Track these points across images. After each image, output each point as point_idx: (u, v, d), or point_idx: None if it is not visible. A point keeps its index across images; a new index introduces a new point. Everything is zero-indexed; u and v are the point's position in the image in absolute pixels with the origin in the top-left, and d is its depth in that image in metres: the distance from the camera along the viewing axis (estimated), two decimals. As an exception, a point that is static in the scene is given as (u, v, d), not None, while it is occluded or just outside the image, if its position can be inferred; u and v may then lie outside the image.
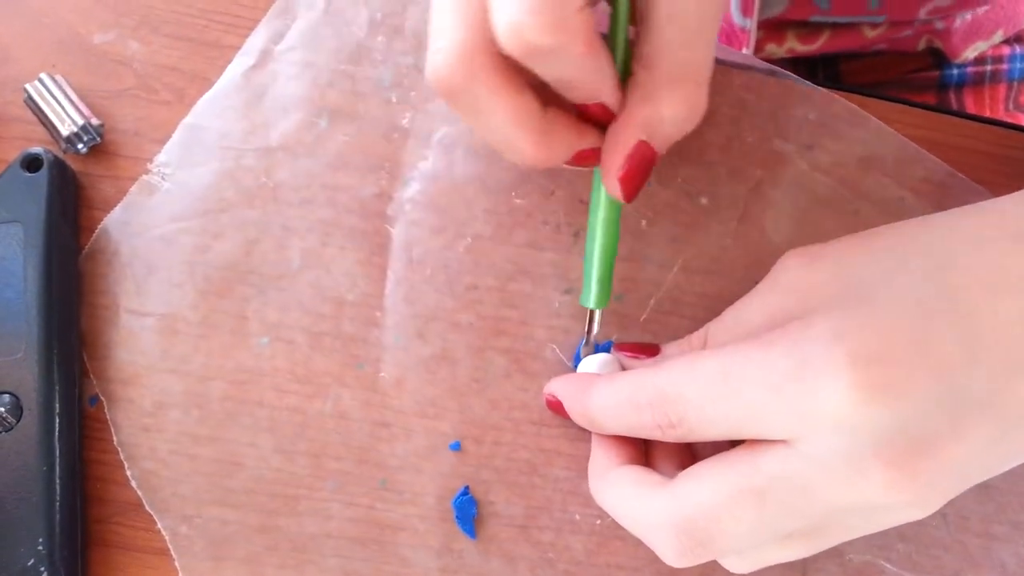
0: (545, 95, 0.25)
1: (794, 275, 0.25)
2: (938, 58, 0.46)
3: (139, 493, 0.29)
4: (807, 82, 0.33)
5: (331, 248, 0.31)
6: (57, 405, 0.28)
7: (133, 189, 0.31)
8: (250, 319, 0.30)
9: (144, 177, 0.31)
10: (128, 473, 0.29)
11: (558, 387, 0.29)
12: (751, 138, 0.32)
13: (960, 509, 0.30)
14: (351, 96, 0.32)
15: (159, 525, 0.29)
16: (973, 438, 0.22)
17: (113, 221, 0.31)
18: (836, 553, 0.29)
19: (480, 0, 0.22)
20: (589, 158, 0.26)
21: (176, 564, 0.29)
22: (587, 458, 0.30)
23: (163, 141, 0.32)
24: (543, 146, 0.25)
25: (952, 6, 0.42)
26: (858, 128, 0.33)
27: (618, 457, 0.27)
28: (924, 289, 0.23)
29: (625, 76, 0.26)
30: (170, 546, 0.29)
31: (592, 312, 0.29)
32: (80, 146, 0.31)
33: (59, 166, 0.30)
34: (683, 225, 0.32)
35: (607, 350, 0.30)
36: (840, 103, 0.33)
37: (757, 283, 0.29)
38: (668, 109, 0.25)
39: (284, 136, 0.32)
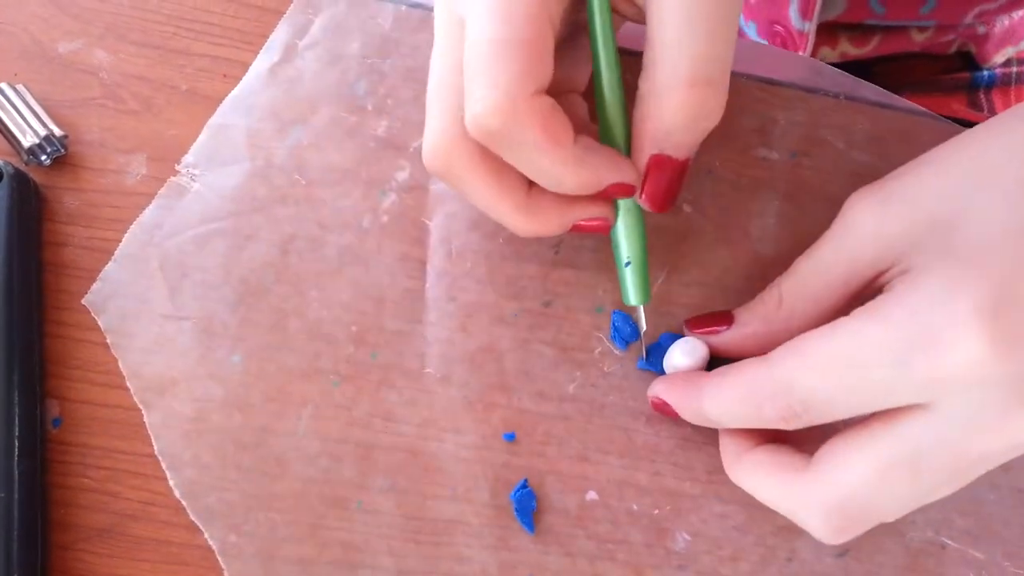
0: None
1: (868, 222, 0.24)
2: (967, 60, 0.47)
3: (183, 503, 0.28)
4: (794, 84, 0.32)
5: (369, 244, 0.30)
6: (17, 427, 0.27)
7: (162, 191, 0.30)
8: (290, 319, 0.30)
9: (173, 179, 0.30)
10: (171, 483, 0.28)
11: (663, 390, 0.28)
12: (735, 145, 0.32)
13: (1014, 480, 0.30)
14: (380, 89, 0.32)
15: (205, 535, 0.28)
16: None
17: (143, 224, 0.30)
18: (896, 532, 0.29)
19: (457, 89, 0.24)
20: (590, 229, 0.27)
21: (226, 573, 0.28)
22: (640, 447, 0.29)
23: (131, 152, 0.31)
24: (528, 222, 0.26)
25: (997, 9, 0.42)
26: (845, 132, 0.32)
27: (748, 439, 0.27)
28: (1012, 218, 0.22)
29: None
30: (218, 555, 0.28)
31: (636, 309, 0.29)
32: (43, 158, 0.30)
33: (20, 179, 0.29)
34: (667, 235, 0.31)
35: (669, 343, 0.29)
36: (828, 104, 0.32)
37: (745, 291, 0.29)
38: (671, 119, 0.24)
39: (315, 132, 0.31)
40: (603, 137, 0.26)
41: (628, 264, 0.28)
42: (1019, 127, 0.24)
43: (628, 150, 0.26)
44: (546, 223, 0.26)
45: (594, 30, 0.26)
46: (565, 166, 0.24)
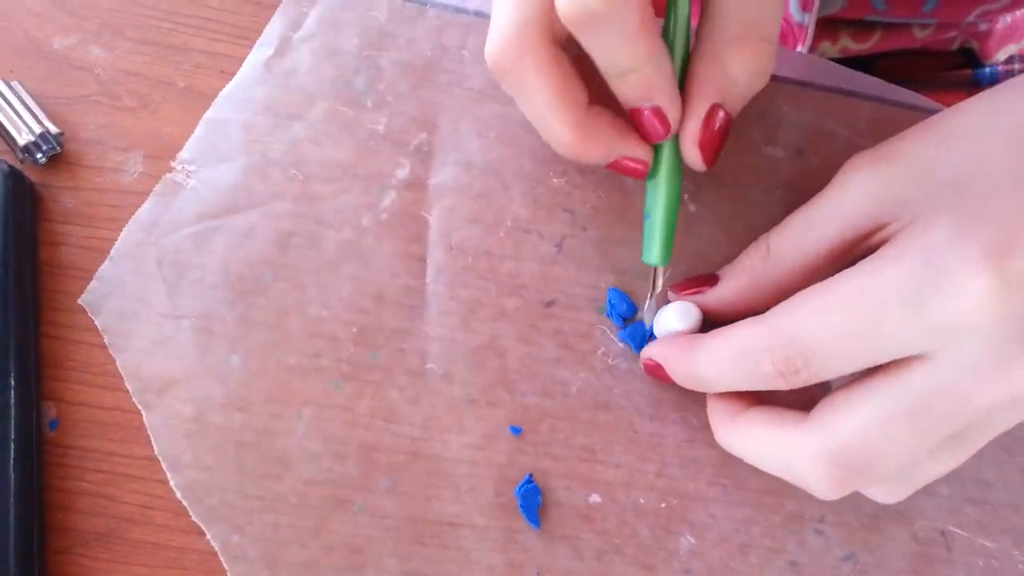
0: (599, 96, 0.25)
1: (868, 178, 0.24)
2: (969, 57, 0.46)
3: (184, 504, 0.28)
4: (794, 79, 0.32)
5: (368, 239, 0.30)
6: (12, 430, 0.27)
7: (157, 188, 0.30)
8: (289, 316, 0.29)
9: (168, 175, 0.30)
10: (172, 484, 0.28)
11: (657, 351, 0.28)
12: (738, 141, 0.31)
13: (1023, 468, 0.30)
14: (378, 82, 0.31)
15: (208, 536, 0.28)
16: None
17: (139, 222, 0.30)
18: (905, 522, 0.29)
19: None
20: (629, 169, 0.27)
21: (229, 574, 0.27)
22: (645, 443, 0.29)
23: (127, 150, 0.31)
24: (580, 137, 0.25)
25: (999, 9, 0.42)
26: (849, 122, 0.31)
27: (740, 401, 0.26)
28: (1017, 167, 0.22)
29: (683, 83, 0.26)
30: (221, 557, 0.27)
31: (655, 270, 0.28)
32: (38, 156, 0.30)
33: (16, 177, 0.29)
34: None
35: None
36: (830, 101, 0.32)
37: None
38: (737, 68, 0.24)
39: (311, 126, 0.31)
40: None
41: (648, 218, 0.27)
42: (1009, 97, 0.24)
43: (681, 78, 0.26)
44: (596, 147, 0.26)
45: None
46: (646, 59, 0.24)
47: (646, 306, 0.29)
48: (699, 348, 0.26)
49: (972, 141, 0.23)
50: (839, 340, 0.22)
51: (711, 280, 0.28)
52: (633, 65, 0.24)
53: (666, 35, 0.26)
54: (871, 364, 0.23)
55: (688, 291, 0.28)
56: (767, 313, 0.24)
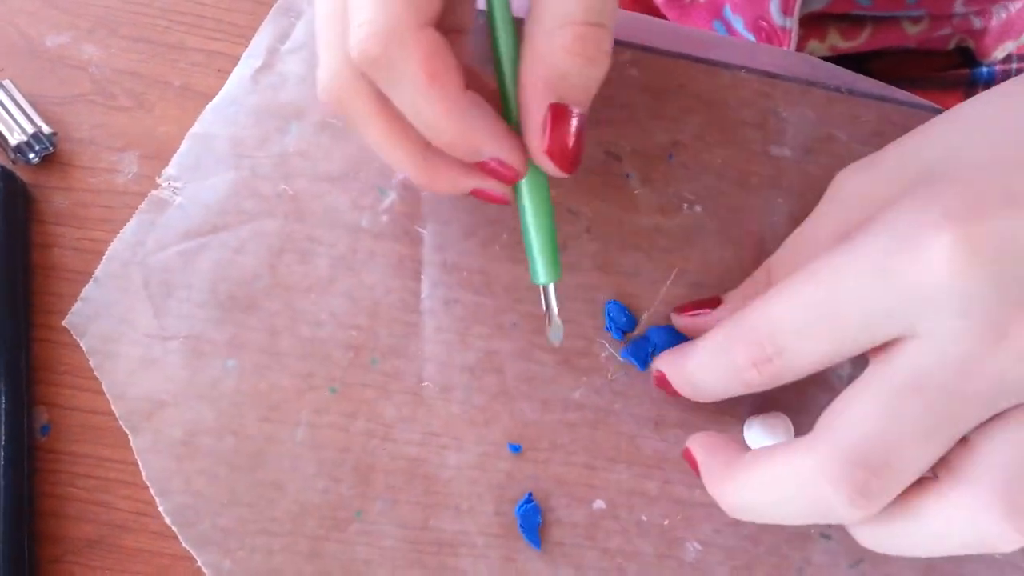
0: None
1: (854, 185, 0.24)
2: (966, 56, 0.46)
3: (175, 529, 0.27)
4: (795, 78, 0.31)
5: (361, 254, 0.29)
6: (3, 435, 0.26)
7: (143, 206, 0.29)
8: (281, 335, 0.28)
9: (154, 192, 0.29)
10: (161, 508, 0.27)
11: (661, 362, 0.28)
12: (740, 142, 0.31)
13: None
14: (368, 93, 0.31)
15: (199, 562, 0.27)
16: None
17: (124, 241, 0.29)
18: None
19: (345, 26, 0.22)
20: (488, 197, 0.25)
21: (222, 602, 0.27)
22: (648, 455, 0.28)
23: (122, 150, 0.30)
24: (423, 175, 0.25)
25: None
26: (850, 126, 0.31)
27: (729, 450, 0.25)
28: (997, 151, 0.22)
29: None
30: (214, 584, 0.27)
31: (545, 288, 0.26)
32: (31, 156, 0.29)
33: (7, 178, 0.28)
34: (674, 236, 0.30)
35: (655, 337, 0.29)
36: (833, 103, 0.31)
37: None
38: (564, 61, 0.22)
39: (301, 139, 0.30)
40: (502, 99, 0.25)
41: (530, 238, 0.25)
42: (996, 100, 0.24)
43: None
44: (442, 181, 0.25)
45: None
46: (444, 115, 0.22)
47: (549, 333, 0.27)
48: (689, 353, 0.26)
49: (952, 136, 0.23)
50: (807, 320, 0.21)
51: (713, 303, 0.28)
52: (434, 117, 0.22)
53: (495, 49, 0.25)
54: (849, 348, 0.21)
55: (691, 312, 0.28)
56: (750, 306, 0.23)
